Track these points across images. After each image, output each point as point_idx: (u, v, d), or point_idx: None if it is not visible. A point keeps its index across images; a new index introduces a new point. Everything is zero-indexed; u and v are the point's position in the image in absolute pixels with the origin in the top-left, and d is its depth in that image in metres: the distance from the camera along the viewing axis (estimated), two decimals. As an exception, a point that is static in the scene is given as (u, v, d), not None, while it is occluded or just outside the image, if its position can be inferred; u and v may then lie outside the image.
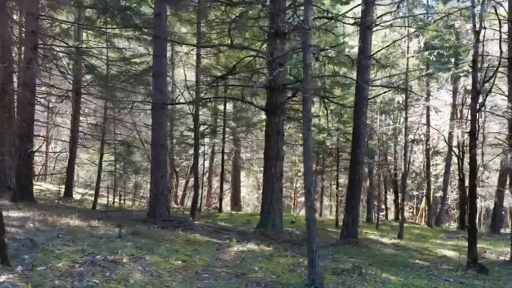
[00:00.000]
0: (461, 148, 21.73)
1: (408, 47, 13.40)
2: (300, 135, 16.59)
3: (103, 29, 13.01)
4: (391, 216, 28.44)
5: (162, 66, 10.91)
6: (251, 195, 35.88)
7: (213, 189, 32.38)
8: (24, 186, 13.26)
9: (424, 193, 23.86)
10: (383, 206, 28.01)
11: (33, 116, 13.99)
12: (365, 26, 10.58)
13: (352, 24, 10.69)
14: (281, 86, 9.84)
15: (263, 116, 14.74)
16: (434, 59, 13.04)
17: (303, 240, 9.95)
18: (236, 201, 28.54)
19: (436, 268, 8.78)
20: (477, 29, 8.48)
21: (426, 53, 13.25)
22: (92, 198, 19.19)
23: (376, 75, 14.02)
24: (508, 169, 19.90)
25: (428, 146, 22.59)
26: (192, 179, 17.73)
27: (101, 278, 5.58)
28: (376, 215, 18.38)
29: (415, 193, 29.93)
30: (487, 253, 12.01)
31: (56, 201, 15.85)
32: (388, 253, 10.38)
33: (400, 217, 15.59)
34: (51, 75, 17.45)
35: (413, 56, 13.57)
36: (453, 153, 22.89)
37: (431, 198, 24.10)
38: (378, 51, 11.39)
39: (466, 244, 13.92)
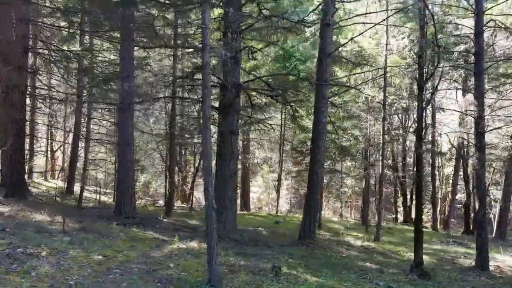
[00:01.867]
0: (465, 150, 20.86)
1: (387, 44, 12.98)
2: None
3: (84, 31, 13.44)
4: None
5: (128, 67, 11.20)
6: (264, 195, 35.90)
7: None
8: (16, 183, 13.91)
9: (430, 196, 22.92)
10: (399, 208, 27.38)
11: (25, 116, 14.68)
12: (324, 23, 10.37)
13: (308, 25, 10.44)
14: (234, 85, 9.85)
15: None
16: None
17: (251, 239, 9.93)
18: (245, 201, 28.69)
19: (381, 272, 8.51)
20: (421, 24, 8.16)
21: (406, 50, 12.80)
22: (91, 195, 20.09)
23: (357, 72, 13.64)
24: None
25: (433, 147, 21.72)
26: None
27: (2, 270, 5.86)
28: (367, 217, 17.86)
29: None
30: (461, 258, 11.46)
31: (54, 198, 16.60)
32: (345, 255, 10.13)
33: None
34: (49, 78, 18.38)
35: (395, 53, 13.13)
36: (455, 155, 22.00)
37: (438, 201, 23.20)
38: (336, 49, 11.08)
39: (449, 249, 13.50)
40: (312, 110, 11.82)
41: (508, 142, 14.06)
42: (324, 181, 28.43)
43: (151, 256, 7.69)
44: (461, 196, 30.10)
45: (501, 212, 19.05)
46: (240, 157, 29.76)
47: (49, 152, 24.52)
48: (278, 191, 22.56)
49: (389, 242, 13.64)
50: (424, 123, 8.34)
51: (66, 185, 19.31)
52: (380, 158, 14.45)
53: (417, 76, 8.38)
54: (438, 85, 11.80)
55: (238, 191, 30.93)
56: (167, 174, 15.32)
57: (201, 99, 10.49)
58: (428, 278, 7.98)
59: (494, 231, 19.40)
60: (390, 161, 25.75)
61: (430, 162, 22.51)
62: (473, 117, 9.94)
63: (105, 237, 8.83)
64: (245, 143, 28.32)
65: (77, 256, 7.03)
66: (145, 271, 6.68)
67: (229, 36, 9.66)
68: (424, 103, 8.18)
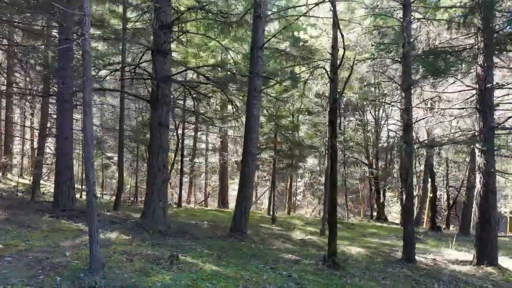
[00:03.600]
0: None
1: (342, 35, 12.92)
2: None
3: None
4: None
5: (66, 59, 11.19)
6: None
7: (209, 186, 32.76)
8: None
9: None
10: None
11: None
12: (256, 15, 10.37)
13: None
14: (164, 78, 9.85)
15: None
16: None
17: (178, 232, 9.94)
18: (223, 199, 28.73)
19: (296, 263, 8.50)
20: (334, 19, 8.15)
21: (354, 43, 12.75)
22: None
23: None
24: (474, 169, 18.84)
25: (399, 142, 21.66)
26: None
27: None
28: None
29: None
30: (399, 252, 11.42)
31: (15, 193, 16.73)
32: (275, 247, 10.10)
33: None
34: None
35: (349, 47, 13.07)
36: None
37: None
38: (268, 40, 11.03)
39: (395, 243, 13.48)
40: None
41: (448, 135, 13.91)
42: (306, 179, 28.50)
43: (59, 246, 7.71)
44: (441, 193, 30.23)
45: (465, 208, 19.00)
46: (217, 154, 29.91)
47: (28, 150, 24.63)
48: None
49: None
50: (338, 114, 8.27)
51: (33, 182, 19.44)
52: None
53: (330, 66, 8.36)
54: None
55: (216, 188, 31.11)
56: (117, 168, 15.30)
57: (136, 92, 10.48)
58: (338, 268, 7.97)
59: (459, 227, 19.37)
60: (364, 158, 25.78)
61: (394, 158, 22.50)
62: (400, 109, 9.91)
63: (25, 228, 8.88)
64: (222, 140, 28.37)
65: (-25, 244, 7.07)
66: (38, 259, 6.69)
67: (157, 29, 9.67)
68: (336, 93, 8.14)
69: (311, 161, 27.11)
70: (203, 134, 30.62)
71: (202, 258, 7.73)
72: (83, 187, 20.53)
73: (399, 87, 10.05)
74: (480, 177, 10.62)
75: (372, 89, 20.75)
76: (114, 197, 21.92)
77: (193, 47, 15.22)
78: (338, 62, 8.17)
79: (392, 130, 23.22)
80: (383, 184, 24.47)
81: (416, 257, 10.89)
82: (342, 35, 7.84)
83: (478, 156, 10.72)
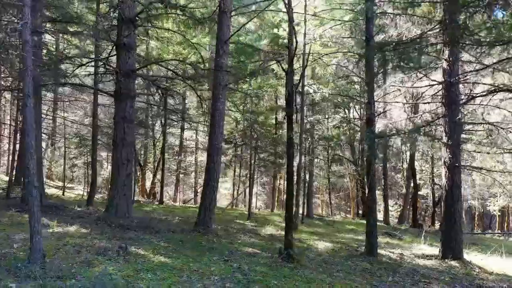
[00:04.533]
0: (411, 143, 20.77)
1: (305, 33, 12.97)
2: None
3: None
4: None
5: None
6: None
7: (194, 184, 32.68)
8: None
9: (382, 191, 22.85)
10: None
11: None
12: (221, 10, 10.36)
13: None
14: (128, 72, 9.85)
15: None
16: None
17: (140, 226, 9.93)
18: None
19: (253, 256, 8.50)
20: (288, 13, 8.16)
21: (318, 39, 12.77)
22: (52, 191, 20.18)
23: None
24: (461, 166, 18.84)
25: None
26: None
27: None
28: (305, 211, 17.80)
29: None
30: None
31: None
32: (240, 241, 10.09)
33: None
34: None
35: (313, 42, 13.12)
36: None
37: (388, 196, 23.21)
38: (232, 35, 11.01)
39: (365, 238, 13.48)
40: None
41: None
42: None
43: (11, 238, 7.71)
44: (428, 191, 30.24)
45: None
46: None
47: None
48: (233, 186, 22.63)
49: (308, 232, 13.67)
50: (295, 106, 8.28)
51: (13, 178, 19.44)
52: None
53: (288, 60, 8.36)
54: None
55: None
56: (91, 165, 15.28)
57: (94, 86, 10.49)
58: (292, 261, 7.97)
59: (439, 224, 19.37)
60: (349, 155, 25.81)
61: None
62: (364, 103, 9.91)
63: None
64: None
65: None
66: (-17, 251, 6.69)
67: (120, 23, 9.67)
68: (292, 86, 8.14)
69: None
70: (194, 132, 30.59)
71: (155, 250, 7.73)
72: (65, 184, 20.55)
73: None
74: (446, 172, 10.63)
75: (357, 86, 20.80)
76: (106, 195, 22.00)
77: (171, 43, 15.19)
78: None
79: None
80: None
81: (383, 252, 10.94)
82: (294, 29, 7.84)
83: (444, 150, 10.74)
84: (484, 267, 10.08)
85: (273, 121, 18.96)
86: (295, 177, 11.75)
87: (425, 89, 12.32)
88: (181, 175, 29.68)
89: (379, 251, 11.02)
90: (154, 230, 9.74)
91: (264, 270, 7.25)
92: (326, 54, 11.25)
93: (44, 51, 12.98)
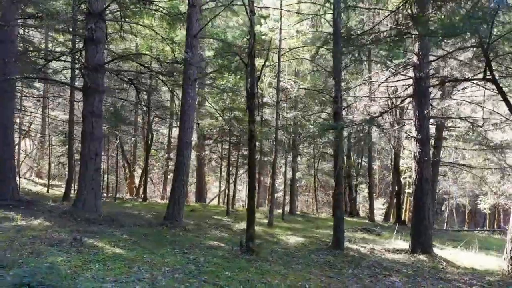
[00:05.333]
0: (396, 140, 20.80)
1: (280, 28, 12.96)
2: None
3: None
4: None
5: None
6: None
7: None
8: None
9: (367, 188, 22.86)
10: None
11: None
12: (191, 4, 10.36)
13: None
14: (96, 67, 9.84)
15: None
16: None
17: (107, 220, 9.93)
18: (199, 193, 28.74)
19: (215, 248, 8.51)
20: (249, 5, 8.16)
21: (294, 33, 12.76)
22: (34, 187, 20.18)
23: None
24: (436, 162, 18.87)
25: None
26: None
27: None
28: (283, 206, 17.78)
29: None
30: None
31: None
32: (208, 236, 10.09)
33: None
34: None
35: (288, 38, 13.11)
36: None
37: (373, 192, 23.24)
38: (201, 29, 10.98)
39: (347, 234, 13.48)
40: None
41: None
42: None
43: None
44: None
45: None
46: (193, 150, 29.93)
47: None
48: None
49: (284, 227, 13.67)
50: (255, 101, 8.26)
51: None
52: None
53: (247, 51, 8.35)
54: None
55: (194, 183, 31.10)
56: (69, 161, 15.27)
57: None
58: (251, 253, 7.97)
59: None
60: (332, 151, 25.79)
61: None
62: (331, 97, 9.90)
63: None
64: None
65: None
66: None
67: (88, 17, 9.67)
68: (253, 79, 8.13)
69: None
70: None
71: (114, 243, 7.71)
72: (50, 181, 20.52)
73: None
74: (415, 166, 10.63)
75: (344, 83, 20.76)
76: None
77: (152, 39, 15.15)
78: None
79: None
80: (355, 179, 24.47)
81: (354, 246, 10.94)
82: (253, 22, 7.83)
83: (414, 144, 10.73)
84: (454, 261, 10.08)
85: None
86: (270, 172, 11.71)
87: (401, 84, 12.33)
88: (171, 173, 29.65)
89: (350, 245, 11.04)
90: (120, 224, 9.74)
91: (220, 262, 7.25)
92: (295, 48, 11.24)
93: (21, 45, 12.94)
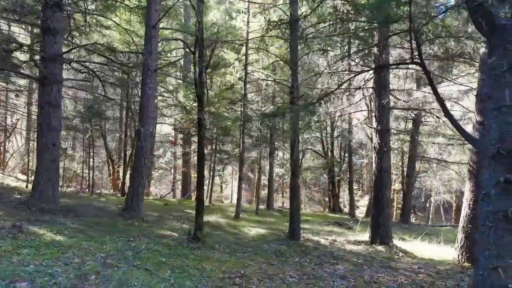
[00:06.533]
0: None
1: (248, 21, 12.94)
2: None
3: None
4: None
5: None
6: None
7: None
8: None
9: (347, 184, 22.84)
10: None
11: None
12: (149, -4, 10.33)
13: None
14: (53, 57, 9.80)
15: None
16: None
17: (62, 210, 9.89)
18: (185, 190, 28.72)
19: (165, 237, 8.49)
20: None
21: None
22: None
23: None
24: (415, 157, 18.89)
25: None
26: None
27: None
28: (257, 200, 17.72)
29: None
30: (303, 232, 11.43)
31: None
32: (165, 226, 10.08)
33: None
34: None
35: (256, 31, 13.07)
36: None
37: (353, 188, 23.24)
38: (159, 19, 10.93)
39: (315, 227, 13.47)
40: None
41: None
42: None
43: None
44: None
45: (404, 196, 19.01)
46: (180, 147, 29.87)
47: None
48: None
49: (252, 220, 13.66)
50: (206, 88, 8.25)
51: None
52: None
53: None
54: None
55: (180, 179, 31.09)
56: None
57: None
58: (197, 242, 7.95)
59: (399, 215, 19.39)
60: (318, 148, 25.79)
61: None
62: (288, 87, 9.88)
63: None
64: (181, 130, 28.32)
65: None
66: None
67: (45, 6, 9.63)
68: (201, 67, 8.10)
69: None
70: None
71: (59, 231, 7.68)
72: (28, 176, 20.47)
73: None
74: (375, 156, 10.61)
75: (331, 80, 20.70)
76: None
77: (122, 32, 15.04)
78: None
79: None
80: (337, 175, 24.43)
81: (316, 238, 10.92)
82: (199, 10, 7.81)
83: (374, 135, 10.71)
84: (413, 252, 10.08)
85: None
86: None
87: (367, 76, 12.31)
88: (160, 170, 29.66)
89: (312, 237, 11.03)
90: (76, 215, 9.71)
91: (160, 249, 7.23)
92: (255, 38, 11.27)
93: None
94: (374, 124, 10.61)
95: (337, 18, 7.33)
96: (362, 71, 7.78)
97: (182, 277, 5.83)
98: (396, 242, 10.88)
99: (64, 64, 10.61)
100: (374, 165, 10.66)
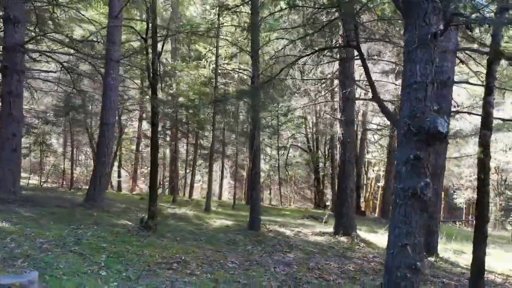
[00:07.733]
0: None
1: (219, 15, 12.88)
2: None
3: None
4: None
5: None
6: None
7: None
8: None
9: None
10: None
11: None
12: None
13: None
14: (14, 46, 9.75)
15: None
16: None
17: (22, 200, 9.84)
18: (173, 186, 28.67)
19: (119, 226, 8.43)
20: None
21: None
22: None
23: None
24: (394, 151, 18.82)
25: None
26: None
27: None
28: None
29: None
30: (277, 226, 11.39)
31: None
32: (126, 217, 10.03)
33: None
34: None
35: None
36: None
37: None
38: (121, 9, 10.85)
39: (291, 221, 13.44)
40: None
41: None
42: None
43: None
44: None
45: (383, 192, 18.99)
46: (166, 143, 29.85)
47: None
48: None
49: (222, 213, 13.62)
50: (158, 82, 8.19)
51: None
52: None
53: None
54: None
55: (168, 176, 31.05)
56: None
57: None
58: (148, 230, 7.91)
59: (377, 210, 19.39)
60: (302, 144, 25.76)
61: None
62: (249, 77, 9.84)
63: None
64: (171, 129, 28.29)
65: None
66: None
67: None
68: (154, 55, 8.06)
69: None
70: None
71: (8, 218, 7.61)
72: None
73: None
74: (339, 148, 10.57)
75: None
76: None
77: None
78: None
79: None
80: (322, 171, 24.38)
81: (282, 229, 10.86)
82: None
83: (338, 126, 10.66)
84: (375, 243, 10.05)
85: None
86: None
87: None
88: (145, 167, 29.58)
89: (278, 229, 10.98)
90: (36, 205, 9.65)
91: (106, 236, 7.19)
92: (215, 27, 11.25)
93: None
94: (338, 115, 10.57)
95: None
96: (312, 53, 7.67)
97: (116, 262, 5.79)
98: (361, 233, 10.84)
99: (25, 55, 10.53)
100: (338, 156, 10.62)
